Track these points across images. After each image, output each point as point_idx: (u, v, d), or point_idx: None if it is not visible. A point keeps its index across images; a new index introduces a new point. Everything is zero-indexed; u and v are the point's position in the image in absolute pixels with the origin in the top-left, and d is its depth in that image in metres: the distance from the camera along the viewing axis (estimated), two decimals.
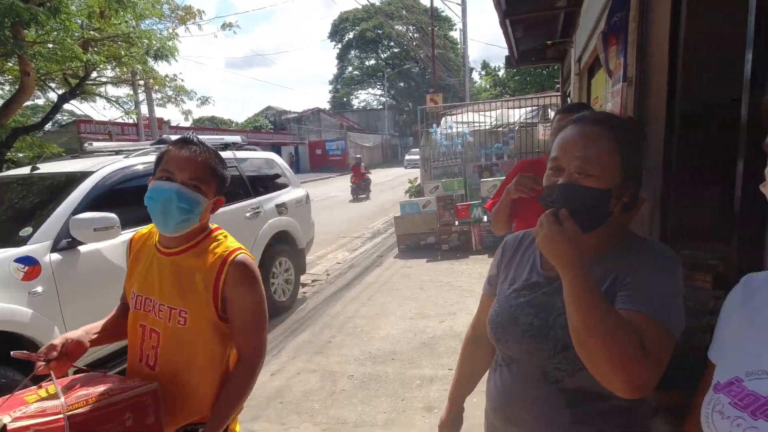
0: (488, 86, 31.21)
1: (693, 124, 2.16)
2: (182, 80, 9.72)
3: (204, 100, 11.16)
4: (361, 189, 15.06)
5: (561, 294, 0.90)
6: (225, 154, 4.62)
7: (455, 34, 40.42)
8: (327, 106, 46.55)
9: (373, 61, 48.68)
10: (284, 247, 4.87)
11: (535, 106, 9.96)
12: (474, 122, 9.69)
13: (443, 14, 40.61)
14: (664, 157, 2.51)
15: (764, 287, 0.66)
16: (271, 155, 5.39)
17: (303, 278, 5.51)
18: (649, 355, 0.72)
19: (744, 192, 1.40)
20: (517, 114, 9.83)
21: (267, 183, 5.00)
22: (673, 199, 2.47)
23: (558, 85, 10.37)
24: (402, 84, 47.07)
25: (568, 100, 6.67)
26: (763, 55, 1.36)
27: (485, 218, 6.63)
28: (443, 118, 10.25)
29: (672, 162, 2.44)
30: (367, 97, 54.02)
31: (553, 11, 6.50)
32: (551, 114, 9.83)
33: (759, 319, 0.62)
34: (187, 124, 17.79)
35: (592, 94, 5.29)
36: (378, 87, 49.30)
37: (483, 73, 34.15)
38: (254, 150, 5.22)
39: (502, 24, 6.61)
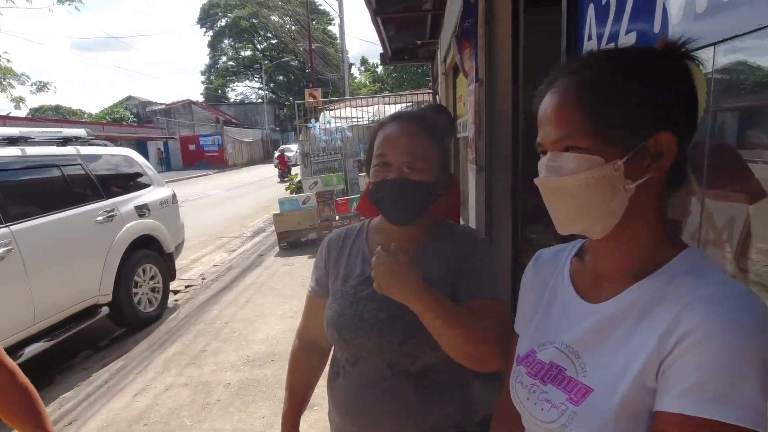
0: (368, 82, 31.94)
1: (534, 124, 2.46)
2: (8, 60, 8.16)
3: (41, 86, 9.52)
4: (285, 174, 18.44)
5: None
6: (65, 150, 4.02)
7: (334, 29, 40.41)
8: (200, 98, 43.17)
9: (249, 52, 46.34)
10: (148, 253, 4.40)
11: (410, 102, 10.45)
12: (352, 117, 9.83)
13: (321, 8, 40.31)
14: (512, 151, 2.82)
15: (549, 263, 0.74)
16: (129, 152, 4.81)
17: (174, 285, 5.06)
18: (505, 331, 0.82)
19: None
20: (394, 110, 10.22)
21: (124, 183, 4.46)
22: (521, 188, 2.80)
23: (430, 83, 11.04)
24: (281, 77, 45.68)
25: (437, 98, 7.13)
26: None
27: None
28: (322, 113, 10.21)
29: (519, 156, 2.76)
30: (244, 89, 51.42)
31: (420, 13, 6.86)
32: None
33: (546, 293, 0.71)
34: (22, 113, 15.02)
35: (458, 93, 5.73)
36: (256, 79, 47.12)
37: (362, 69, 34.82)
38: (106, 146, 4.61)
39: (374, 22, 6.78)
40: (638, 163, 0.53)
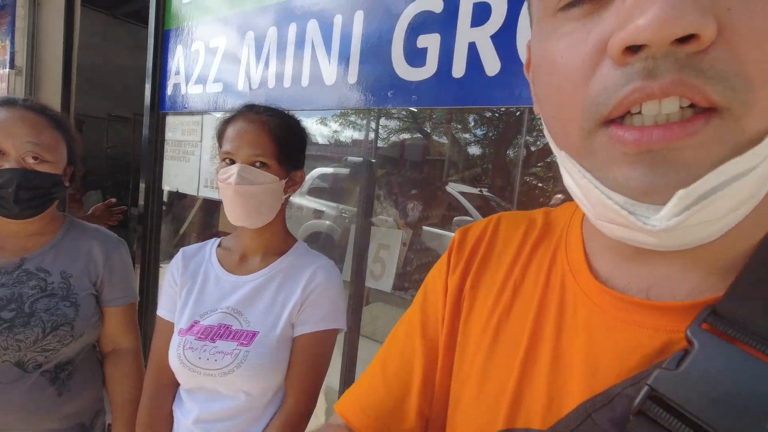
0: None
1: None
2: None
3: None
4: None
5: (30, 281, 0.90)
6: None
7: None
8: None
9: None
10: None
11: None
12: None
13: None
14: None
15: (195, 256, 0.96)
16: None
17: None
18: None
19: None
20: None
21: None
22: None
23: None
24: None
25: None
26: (157, 85, 1.80)
27: None
28: None
29: (75, 143, 2.55)
30: None
31: None
32: None
33: (198, 277, 0.92)
34: None
35: None
36: None
37: None
38: None
39: None
40: (288, 184, 0.89)
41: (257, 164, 0.83)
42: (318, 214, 2.76)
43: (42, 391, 0.90)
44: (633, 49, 0.24)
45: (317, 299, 0.85)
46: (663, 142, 0.24)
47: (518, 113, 2.38)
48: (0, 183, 0.86)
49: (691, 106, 0.24)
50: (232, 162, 0.83)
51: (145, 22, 1.84)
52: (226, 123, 0.87)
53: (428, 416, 0.44)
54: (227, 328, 0.84)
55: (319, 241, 2.64)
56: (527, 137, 2.31)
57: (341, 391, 1.47)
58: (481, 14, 0.89)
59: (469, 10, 0.91)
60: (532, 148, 2.32)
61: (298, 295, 0.85)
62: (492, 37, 0.88)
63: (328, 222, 2.65)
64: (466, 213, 2.41)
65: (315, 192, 2.82)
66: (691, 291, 0.30)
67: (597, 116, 0.26)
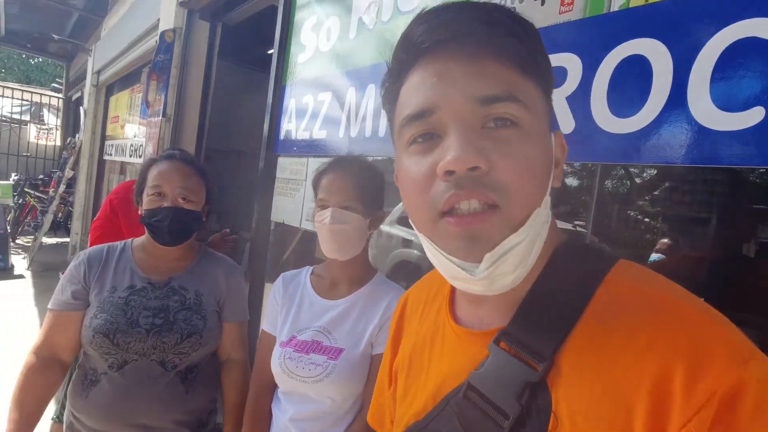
0: None
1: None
2: None
3: None
4: None
5: (174, 296, 1.14)
6: None
7: None
8: None
9: None
10: None
11: (25, 100, 8.34)
12: None
13: None
14: None
15: (293, 280, 1.13)
16: None
17: None
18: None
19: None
20: None
21: None
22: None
23: (58, 86, 9.16)
24: None
25: (81, 110, 6.15)
26: (275, 122, 2.10)
27: None
28: None
29: (212, 187, 3.03)
30: None
31: (66, 6, 5.93)
32: (47, 115, 8.55)
33: (296, 299, 1.09)
34: None
35: (111, 111, 5.24)
36: None
37: None
38: None
39: None
40: (372, 222, 1.03)
41: (346, 208, 0.98)
42: (407, 243, 2.86)
43: (175, 388, 1.12)
44: (449, 173, 0.41)
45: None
46: (472, 225, 0.41)
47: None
48: (159, 218, 1.12)
49: (484, 204, 0.41)
50: (326, 207, 1.00)
51: (265, 69, 2.17)
52: (320, 174, 1.05)
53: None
54: (319, 344, 1.00)
55: (407, 270, 2.75)
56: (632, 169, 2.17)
57: None
58: (558, 77, 0.97)
59: None
60: (637, 180, 2.17)
61: (377, 320, 0.99)
62: (567, 98, 0.95)
63: (416, 251, 2.74)
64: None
65: (404, 221, 2.95)
66: (499, 321, 0.48)
67: (435, 210, 0.43)
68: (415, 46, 0.45)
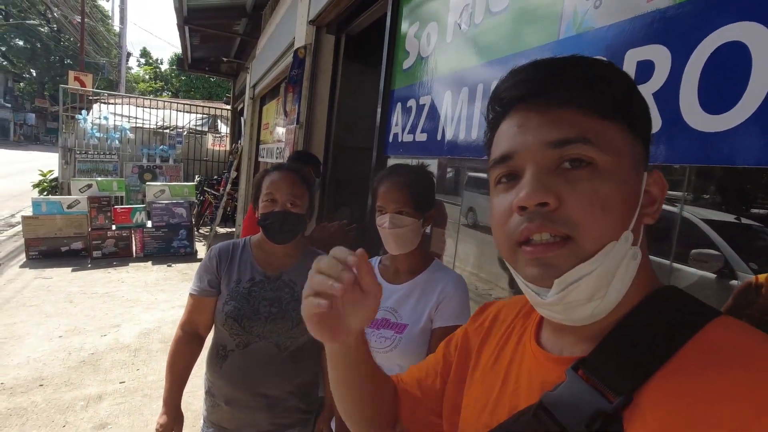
0: (148, 77, 28.45)
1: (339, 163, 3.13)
2: None
3: None
4: None
5: (285, 288, 1.34)
6: None
7: (105, 4, 34.61)
8: None
9: None
10: None
11: (205, 114, 10.11)
12: (137, 118, 8.90)
13: None
14: (322, 180, 3.41)
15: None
16: None
17: None
18: None
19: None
20: (186, 118, 9.70)
21: None
22: (327, 206, 3.38)
23: (228, 99, 10.91)
24: (22, 43, 36.15)
25: (242, 120, 7.27)
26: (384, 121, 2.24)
27: (149, 223, 6.30)
28: (96, 105, 8.88)
29: (327, 179, 3.36)
30: None
31: (231, 34, 7.00)
32: (221, 126, 10.23)
33: None
34: None
35: (263, 119, 6.07)
36: None
37: (142, 61, 30.78)
38: None
39: (180, 29, 6.56)
40: (425, 221, 1.18)
41: (401, 213, 1.14)
42: None
43: (287, 365, 1.33)
44: (522, 208, 0.46)
45: (448, 302, 1.13)
46: (543, 254, 0.45)
47: None
48: (272, 220, 1.32)
49: (555, 236, 0.45)
50: (384, 212, 1.16)
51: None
52: (378, 183, 1.20)
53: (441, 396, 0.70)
54: (387, 321, 1.18)
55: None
56: None
57: None
58: (645, 71, 0.88)
59: (632, 67, 0.91)
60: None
61: (435, 299, 1.14)
62: (654, 94, 0.86)
63: None
64: (712, 246, 1.83)
65: None
66: (580, 352, 0.50)
67: (512, 240, 0.48)
68: (501, 101, 0.52)
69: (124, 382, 3.08)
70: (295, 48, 3.49)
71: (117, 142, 8.42)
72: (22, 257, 5.71)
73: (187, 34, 6.86)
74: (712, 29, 0.77)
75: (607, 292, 0.46)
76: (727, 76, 0.74)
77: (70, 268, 5.44)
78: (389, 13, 2.18)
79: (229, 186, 7.08)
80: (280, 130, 4.36)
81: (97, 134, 8.25)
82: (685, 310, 0.46)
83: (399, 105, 2.10)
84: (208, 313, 1.37)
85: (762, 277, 0.73)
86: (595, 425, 0.42)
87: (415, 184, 1.17)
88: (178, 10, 5.81)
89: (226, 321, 1.32)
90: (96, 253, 5.94)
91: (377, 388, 0.68)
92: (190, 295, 1.39)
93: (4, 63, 35.35)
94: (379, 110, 2.26)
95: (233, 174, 7.02)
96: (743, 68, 0.72)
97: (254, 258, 1.40)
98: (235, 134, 9.66)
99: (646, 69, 0.88)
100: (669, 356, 0.42)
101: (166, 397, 1.35)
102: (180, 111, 9.69)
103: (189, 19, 6.18)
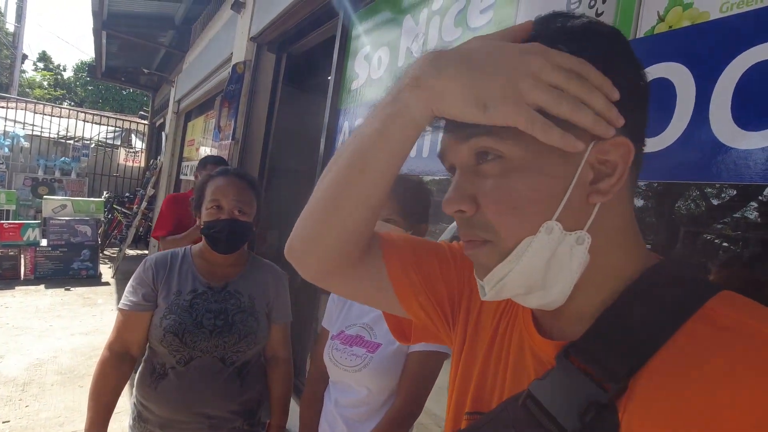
0: (46, 84, 25.75)
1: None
2: None
3: None
4: None
5: (231, 300, 1.26)
6: None
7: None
8: None
9: None
10: None
11: (117, 127, 9.36)
12: (34, 125, 8.00)
13: None
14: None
15: None
16: None
17: None
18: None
19: None
20: (95, 130, 8.91)
21: None
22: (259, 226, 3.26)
23: (145, 114, 10.22)
24: None
25: (164, 134, 6.84)
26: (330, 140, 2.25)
27: (44, 242, 5.58)
28: None
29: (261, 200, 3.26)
30: None
31: (156, 44, 6.66)
32: (135, 141, 9.52)
33: (345, 300, 1.21)
34: None
35: (188, 135, 5.78)
36: None
37: (41, 66, 27.83)
38: None
39: (97, 33, 6.11)
40: (413, 234, 1.12)
41: (387, 220, 1.06)
42: None
43: (233, 382, 1.24)
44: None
45: None
46: (473, 251, 0.46)
47: None
48: (218, 228, 1.24)
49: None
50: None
51: (323, 94, 2.35)
52: None
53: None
54: (361, 338, 1.11)
55: None
56: None
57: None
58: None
59: None
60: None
61: None
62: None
63: None
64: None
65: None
66: (570, 334, 0.46)
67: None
68: None
69: (8, 421, 2.64)
70: (233, 63, 3.42)
71: (6, 149, 7.46)
72: None
73: (104, 41, 6.40)
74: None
75: (546, 283, 0.44)
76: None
77: None
78: (338, 36, 2.25)
79: (144, 204, 6.55)
80: (210, 147, 4.19)
81: None
82: (682, 285, 0.43)
83: (346, 124, 2.14)
84: (141, 330, 1.23)
85: None
86: (588, 416, 0.39)
87: (408, 193, 1.08)
88: (97, 13, 5.42)
89: (165, 336, 1.20)
90: None
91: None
92: (120, 311, 1.25)
93: None
94: (325, 127, 2.28)
95: (149, 191, 6.52)
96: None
97: (196, 268, 1.30)
98: (153, 150, 9.04)
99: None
100: (667, 337, 0.39)
101: (90, 424, 1.18)
102: (88, 122, 8.89)
103: (108, 25, 5.79)
